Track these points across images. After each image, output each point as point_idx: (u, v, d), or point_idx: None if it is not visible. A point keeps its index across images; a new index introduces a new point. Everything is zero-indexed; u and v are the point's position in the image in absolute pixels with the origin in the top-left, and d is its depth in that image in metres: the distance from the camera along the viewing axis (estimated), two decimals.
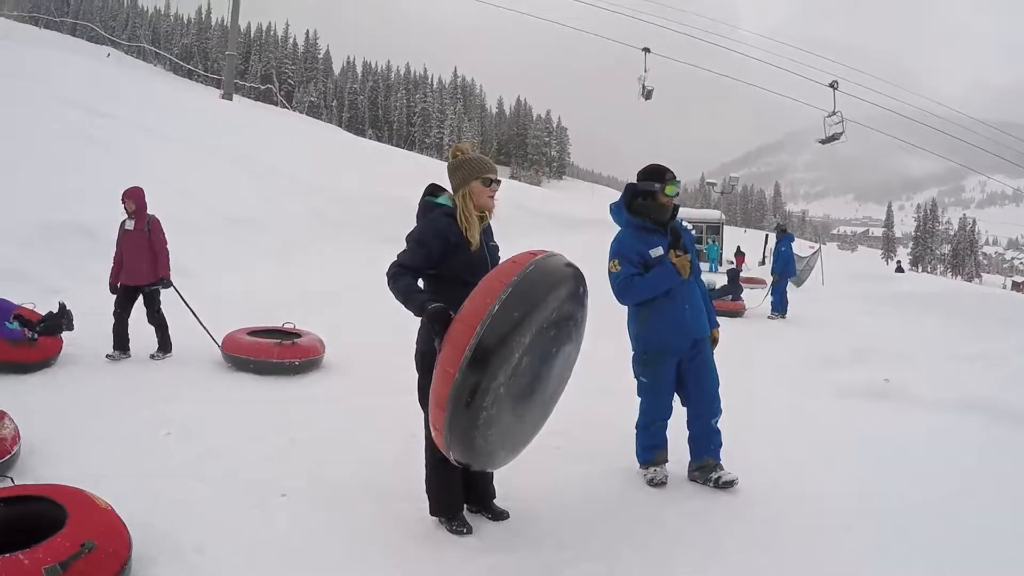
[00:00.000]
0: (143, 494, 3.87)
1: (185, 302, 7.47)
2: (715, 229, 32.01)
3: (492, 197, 3.72)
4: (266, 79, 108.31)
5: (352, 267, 14.85)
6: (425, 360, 3.45)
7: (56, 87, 21.87)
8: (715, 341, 4.58)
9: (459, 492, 3.75)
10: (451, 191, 3.74)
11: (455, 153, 3.76)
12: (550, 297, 3.14)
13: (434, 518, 3.75)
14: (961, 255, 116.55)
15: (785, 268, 14.35)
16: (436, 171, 39.46)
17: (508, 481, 4.05)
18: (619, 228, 4.56)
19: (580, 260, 3.59)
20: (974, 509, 4.34)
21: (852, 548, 3.72)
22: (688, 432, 4.55)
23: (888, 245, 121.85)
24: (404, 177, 28.98)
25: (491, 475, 3.90)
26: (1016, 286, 74.58)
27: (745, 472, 4.53)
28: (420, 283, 3.55)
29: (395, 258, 3.52)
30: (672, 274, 4.26)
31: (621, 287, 4.36)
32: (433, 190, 3.80)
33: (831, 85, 27.84)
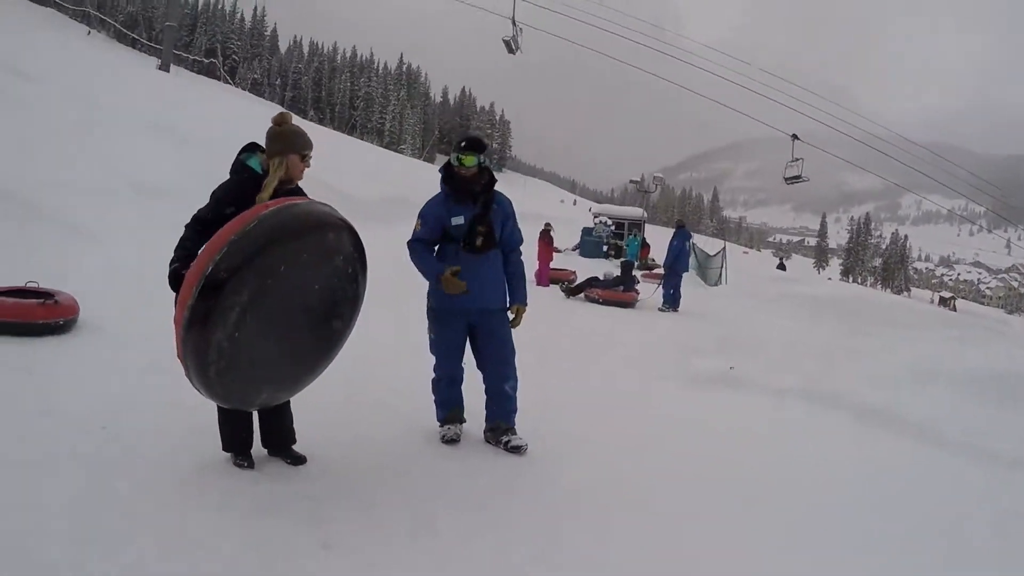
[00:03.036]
0: None
1: None
2: (637, 225, 32.69)
3: (301, 170, 3.92)
4: (210, 53, 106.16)
5: None
6: None
7: None
8: (517, 316, 4.77)
9: (242, 431, 4.03)
10: (268, 154, 3.86)
11: (278, 121, 3.88)
12: (262, 256, 3.26)
13: (226, 454, 4.05)
14: (892, 268, 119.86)
15: (675, 262, 14.76)
16: (377, 158, 39.21)
17: (311, 434, 4.34)
18: None
19: None
20: (757, 480, 4.73)
21: (606, 509, 4.02)
22: (484, 395, 4.85)
23: (821, 255, 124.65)
24: (335, 163, 28.93)
25: (287, 420, 4.18)
26: (943, 301, 76.53)
27: (548, 438, 4.90)
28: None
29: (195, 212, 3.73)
30: (432, 276, 4.60)
31: (409, 247, 4.68)
32: (251, 147, 3.94)
33: (792, 136, 28.79)
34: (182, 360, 3.32)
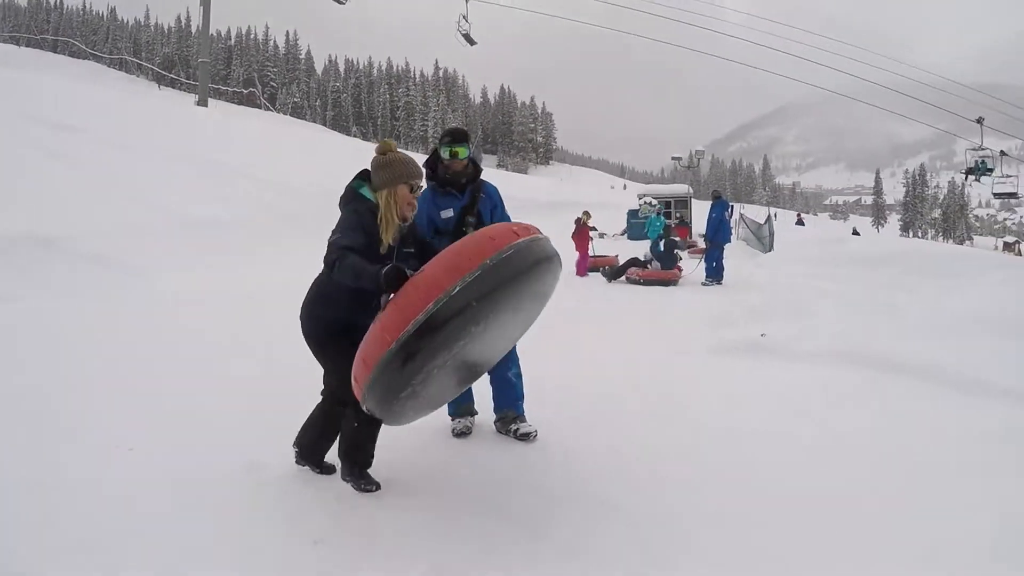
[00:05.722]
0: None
1: None
2: (683, 203, 32.31)
3: (411, 204, 3.64)
4: (249, 83, 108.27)
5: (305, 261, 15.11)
6: (318, 342, 3.67)
7: (24, 105, 22.21)
8: None
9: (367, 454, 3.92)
10: (374, 186, 3.63)
11: (383, 150, 3.66)
12: (513, 286, 3.04)
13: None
14: (952, 218, 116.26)
15: (715, 234, 14.64)
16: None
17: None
18: None
19: None
20: (767, 450, 4.62)
21: (603, 497, 3.90)
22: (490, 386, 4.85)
23: (878, 213, 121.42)
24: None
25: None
26: (1007, 246, 74.62)
27: (561, 424, 4.94)
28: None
29: (330, 248, 3.40)
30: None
31: None
32: (364, 175, 3.72)
33: (977, 121, 25.74)
34: (369, 367, 3.04)
